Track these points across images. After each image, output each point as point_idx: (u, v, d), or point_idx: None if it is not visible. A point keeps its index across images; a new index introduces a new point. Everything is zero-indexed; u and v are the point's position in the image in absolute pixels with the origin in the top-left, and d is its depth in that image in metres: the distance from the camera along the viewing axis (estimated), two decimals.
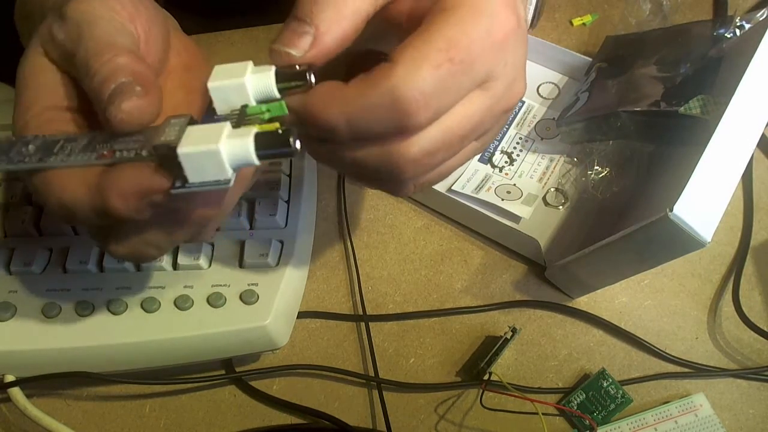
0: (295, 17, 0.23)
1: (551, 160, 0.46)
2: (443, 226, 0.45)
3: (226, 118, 0.22)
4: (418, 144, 0.24)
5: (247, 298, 0.36)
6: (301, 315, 0.41)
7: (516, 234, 0.42)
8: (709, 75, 0.40)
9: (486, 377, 0.38)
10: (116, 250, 0.25)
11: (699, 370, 0.40)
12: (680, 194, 0.31)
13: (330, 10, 0.23)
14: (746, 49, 0.37)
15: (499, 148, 0.47)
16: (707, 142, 0.33)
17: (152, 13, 0.26)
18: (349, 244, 0.44)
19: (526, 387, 0.40)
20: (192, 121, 0.22)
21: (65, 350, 0.35)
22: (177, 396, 0.40)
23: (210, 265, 0.38)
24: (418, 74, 0.22)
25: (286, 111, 0.23)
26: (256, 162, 0.21)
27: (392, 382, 0.39)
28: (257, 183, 0.40)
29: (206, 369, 0.40)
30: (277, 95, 0.23)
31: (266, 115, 0.23)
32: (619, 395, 0.39)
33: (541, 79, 0.50)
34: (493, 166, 0.46)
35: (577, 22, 0.55)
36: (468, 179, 0.45)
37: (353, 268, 0.43)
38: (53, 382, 0.37)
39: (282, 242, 0.39)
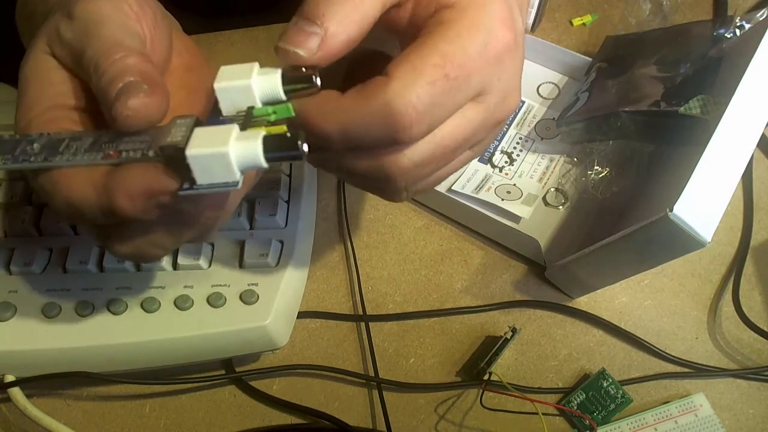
0: (303, 16, 0.23)
1: (551, 160, 0.46)
2: (443, 226, 0.45)
3: (231, 119, 0.22)
4: (411, 155, 0.24)
5: (247, 298, 0.36)
6: (301, 315, 0.41)
7: (516, 234, 0.42)
8: (709, 75, 0.40)
9: (486, 377, 0.38)
10: (120, 250, 0.25)
11: (699, 370, 0.40)
12: (680, 194, 0.31)
13: (340, 13, 0.23)
14: (746, 49, 0.37)
15: (499, 148, 0.47)
16: (707, 142, 0.33)
17: (157, 14, 0.26)
18: (349, 244, 0.44)
19: (526, 387, 0.40)
20: (198, 122, 0.22)
21: (65, 350, 0.35)
22: (177, 396, 0.40)
23: (210, 265, 0.38)
24: (413, 89, 0.22)
25: (293, 113, 0.23)
26: (265, 165, 0.21)
27: (392, 382, 0.39)
28: (257, 183, 0.40)
29: (206, 369, 0.40)
30: (283, 97, 0.23)
31: (272, 117, 0.23)
32: (619, 395, 0.39)
33: (541, 79, 0.50)
34: (493, 166, 0.46)
35: (577, 22, 0.55)
36: (468, 179, 0.45)
37: (353, 268, 0.43)
38: (53, 382, 0.37)
39: (282, 242, 0.39)
